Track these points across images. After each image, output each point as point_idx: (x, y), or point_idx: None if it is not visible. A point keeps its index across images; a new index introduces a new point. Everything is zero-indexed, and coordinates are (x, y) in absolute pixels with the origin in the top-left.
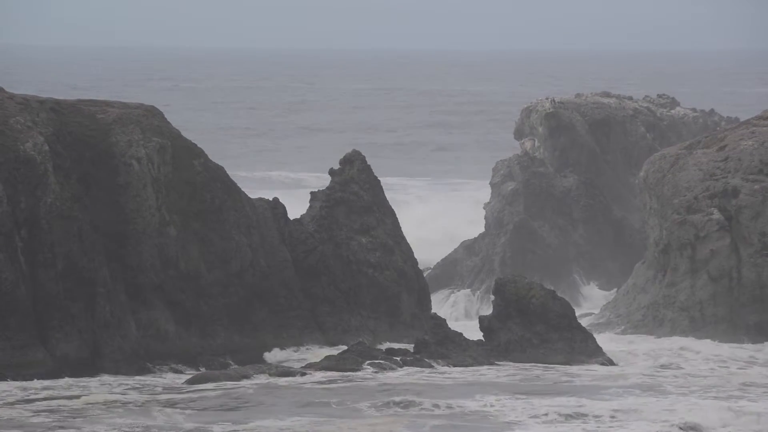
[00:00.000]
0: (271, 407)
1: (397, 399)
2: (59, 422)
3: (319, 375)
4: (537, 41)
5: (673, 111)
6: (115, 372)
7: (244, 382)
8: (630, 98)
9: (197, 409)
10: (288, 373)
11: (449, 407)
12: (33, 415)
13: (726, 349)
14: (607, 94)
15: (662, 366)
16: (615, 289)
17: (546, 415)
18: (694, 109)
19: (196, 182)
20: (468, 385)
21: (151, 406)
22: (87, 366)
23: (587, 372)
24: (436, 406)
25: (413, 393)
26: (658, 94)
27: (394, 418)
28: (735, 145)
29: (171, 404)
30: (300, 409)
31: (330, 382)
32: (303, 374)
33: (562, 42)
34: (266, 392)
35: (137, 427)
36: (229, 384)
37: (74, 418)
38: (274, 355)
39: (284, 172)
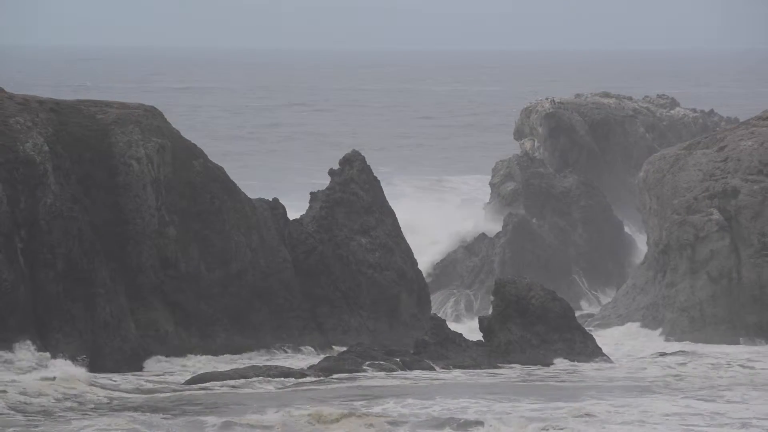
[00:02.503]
0: (248, 407)
1: (388, 401)
2: (54, 420)
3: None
4: (535, 42)
5: (672, 111)
6: (115, 372)
7: (242, 382)
8: (630, 98)
9: (183, 409)
10: (287, 374)
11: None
12: (22, 414)
13: (729, 350)
14: (607, 95)
15: (667, 365)
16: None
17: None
18: (693, 110)
19: (196, 182)
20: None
21: (144, 407)
22: (86, 366)
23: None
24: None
25: (407, 395)
26: (657, 95)
27: (379, 420)
28: (735, 146)
29: (167, 404)
30: (282, 408)
31: (327, 382)
32: (303, 375)
33: (560, 42)
34: (261, 392)
35: (122, 428)
36: (226, 384)
37: (71, 417)
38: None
39: (289, 174)
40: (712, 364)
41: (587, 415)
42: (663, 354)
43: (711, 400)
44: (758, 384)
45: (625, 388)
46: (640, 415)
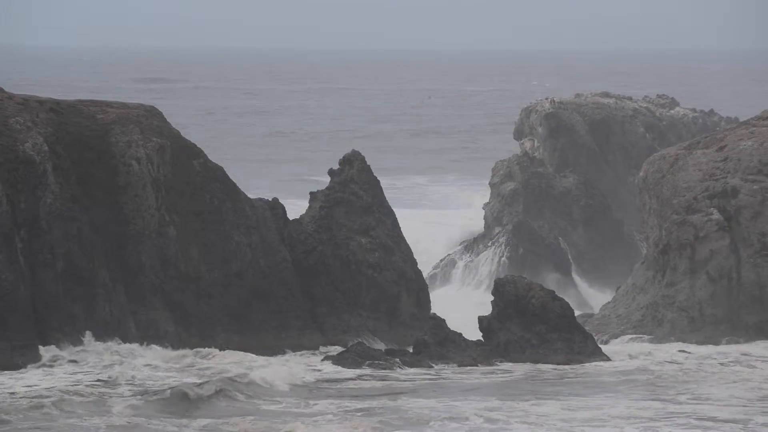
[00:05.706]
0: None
1: (380, 402)
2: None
3: (317, 376)
4: (535, 42)
5: (672, 111)
6: None
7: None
8: (629, 98)
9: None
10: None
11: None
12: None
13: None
14: (607, 95)
15: (665, 366)
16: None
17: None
18: (693, 110)
19: (196, 182)
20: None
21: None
22: None
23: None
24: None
25: (404, 396)
26: (657, 94)
27: (368, 422)
28: (734, 146)
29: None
30: (264, 409)
31: (326, 383)
32: (302, 375)
33: (555, 41)
34: (255, 392)
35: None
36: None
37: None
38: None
39: (290, 174)
40: (707, 364)
41: (540, 415)
42: (668, 354)
43: (683, 400)
44: (755, 384)
45: (607, 387)
46: (602, 415)
